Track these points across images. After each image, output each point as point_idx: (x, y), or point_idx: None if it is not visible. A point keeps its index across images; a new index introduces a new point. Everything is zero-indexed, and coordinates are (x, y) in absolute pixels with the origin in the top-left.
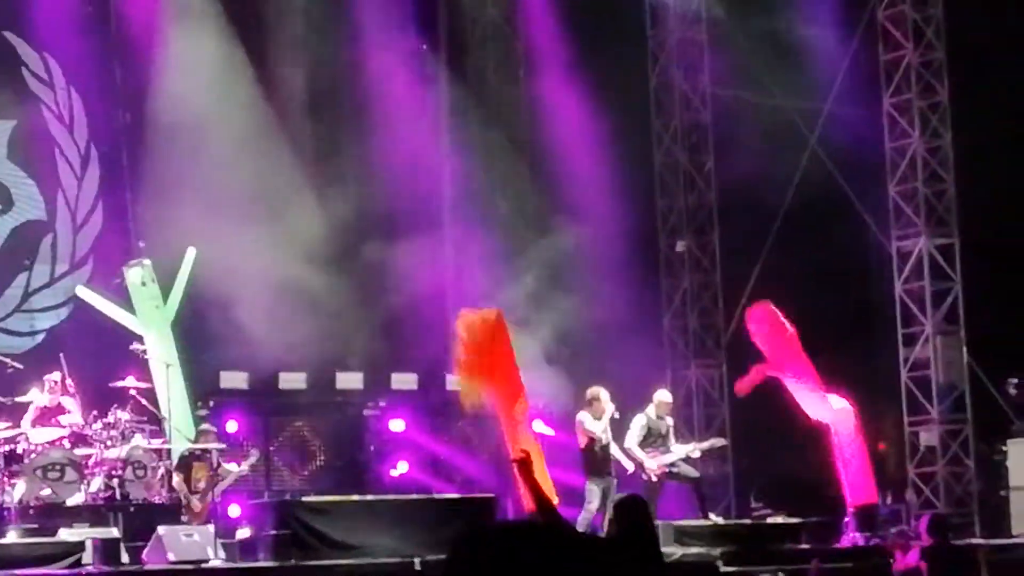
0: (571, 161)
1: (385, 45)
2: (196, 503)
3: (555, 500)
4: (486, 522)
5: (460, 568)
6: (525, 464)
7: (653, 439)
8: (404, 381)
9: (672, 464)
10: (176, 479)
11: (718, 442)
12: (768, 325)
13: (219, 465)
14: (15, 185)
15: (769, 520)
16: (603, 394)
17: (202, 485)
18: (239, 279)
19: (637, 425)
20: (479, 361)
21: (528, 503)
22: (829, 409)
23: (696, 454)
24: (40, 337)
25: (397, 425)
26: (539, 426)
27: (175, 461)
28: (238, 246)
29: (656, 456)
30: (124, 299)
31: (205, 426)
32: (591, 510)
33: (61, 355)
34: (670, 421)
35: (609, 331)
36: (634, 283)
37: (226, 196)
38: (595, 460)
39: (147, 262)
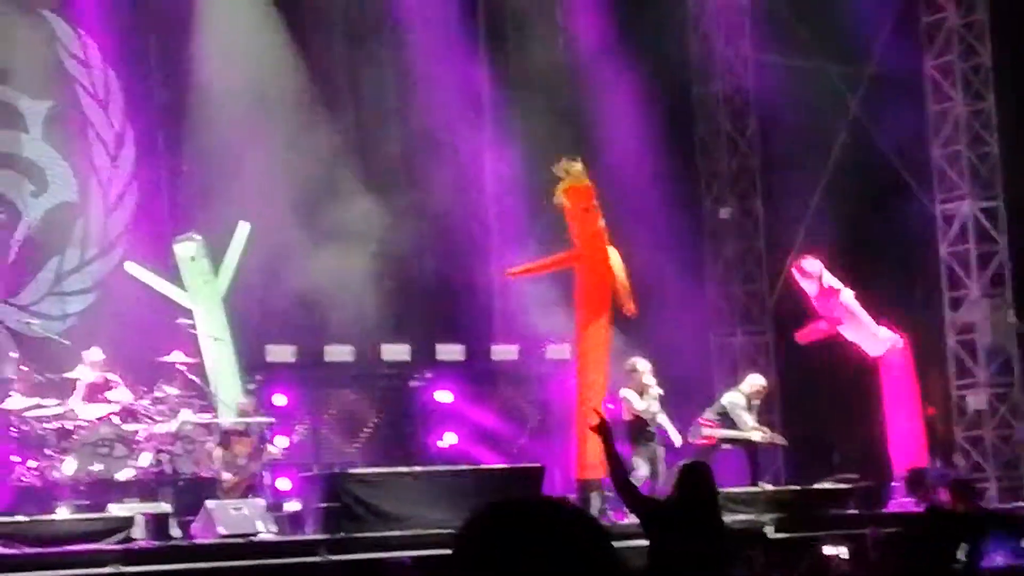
0: (612, 128)
1: (424, 13)
2: (228, 477)
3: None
4: (506, 499)
5: (468, 546)
6: (603, 427)
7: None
8: (450, 352)
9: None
10: (216, 452)
11: (780, 440)
12: (816, 280)
13: (262, 442)
14: (49, 167)
15: (816, 486)
16: (640, 364)
17: (241, 461)
18: (283, 252)
19: (738, 407)
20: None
21: (585, 466)
22: (880, 342)
23: (756, 438)
24: (70, 320)
25: (444, 396)
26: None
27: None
28: (281, 219)
29: (719, 428)
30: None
31: (243, 401)
32: (639, 478)
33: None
34: (755, 403)
35: (652, 298)
36: (676, 249)
37: (267, 170)
38: (640, 430)
39: (198, 236)
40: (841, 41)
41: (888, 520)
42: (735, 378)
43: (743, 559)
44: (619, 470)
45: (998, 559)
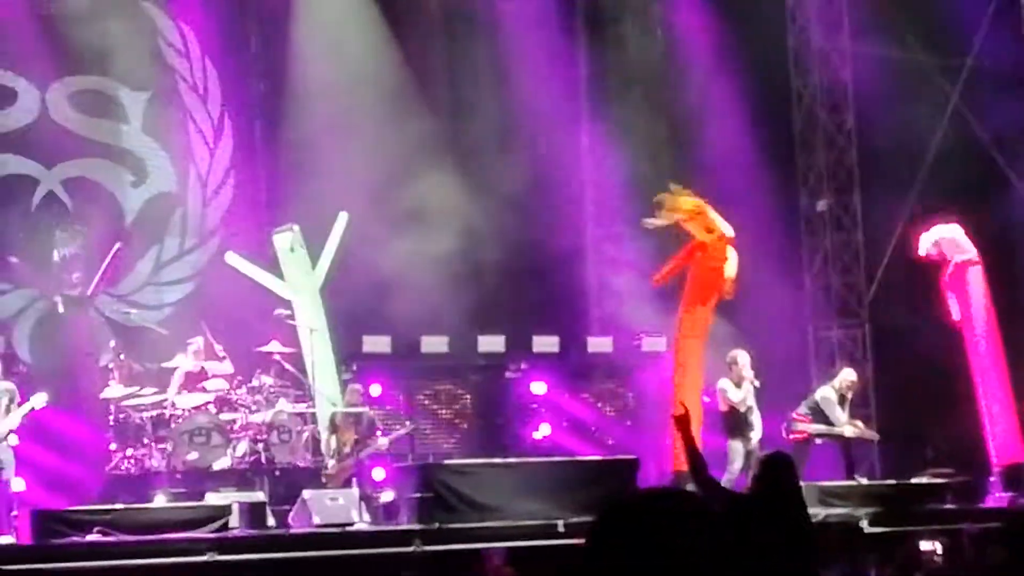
0: (710, 120)
1: (522, 2)
2: (332, 465)
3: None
4: (631, 491)
5: (605, 540)
6: (684, 420)
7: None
8: (545, 344)
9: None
10: (323, 438)
11: (872, 435)
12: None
13: (370, 432)
14: (149, 157)
15: (913, 480)
16: (741, 357)
17: (346, 449)
18: (378, 243)
19: (829, 402)
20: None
21: (680, 458)
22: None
23: (848, 432)
24: (168, 310)
25: (539, 388)
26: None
27: (325, 423)
28: (377, 211)
29: (812, 423)
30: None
31: (353, 385)
32: (734, 471)
33: (203, 322)
34: (849, 397)
35: (750, 290)
36: (774, 241)
37: (363, 161)
38: (737, 422)
39: (296, 228)
40: (940, 32)
41: (985, 515)
42: (832, 370)
43: (839, 553)
44: (698, 462)
45: None
